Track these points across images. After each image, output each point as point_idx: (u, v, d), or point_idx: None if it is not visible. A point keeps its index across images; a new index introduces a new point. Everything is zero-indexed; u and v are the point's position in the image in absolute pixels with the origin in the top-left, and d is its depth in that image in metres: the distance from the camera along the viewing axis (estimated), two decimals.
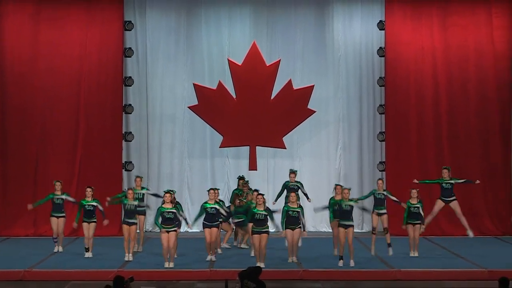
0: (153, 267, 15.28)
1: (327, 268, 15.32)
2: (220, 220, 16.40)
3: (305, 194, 17.78)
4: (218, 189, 16.61)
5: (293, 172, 17.95)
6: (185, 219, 16.26)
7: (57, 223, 17.02)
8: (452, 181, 17.29)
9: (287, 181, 17.82)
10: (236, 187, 18.36)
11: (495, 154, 20.22)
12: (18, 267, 15.11)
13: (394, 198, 16.85)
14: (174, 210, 15.40)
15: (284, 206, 15.97)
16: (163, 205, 15.40)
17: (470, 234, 17.43)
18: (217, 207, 16.02)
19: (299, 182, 17.85)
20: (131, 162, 20.32)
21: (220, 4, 20.57)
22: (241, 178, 18.32)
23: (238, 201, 17.46)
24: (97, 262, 15.91)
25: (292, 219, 15.71)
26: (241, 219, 17.31)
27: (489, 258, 16.40)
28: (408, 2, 20.18)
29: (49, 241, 17.53)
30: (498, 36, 20.14)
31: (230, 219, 17.36)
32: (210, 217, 15.96)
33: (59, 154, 19.90)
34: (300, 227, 15.80)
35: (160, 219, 15.40)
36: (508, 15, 20.15)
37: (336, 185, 16.89)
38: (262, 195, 15.75)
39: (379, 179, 17.19)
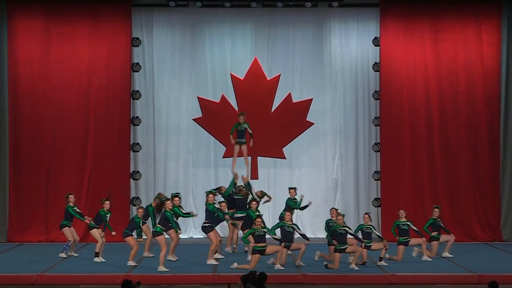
0: (159, 272, 15.23)
1: (325, 273, 15.33)
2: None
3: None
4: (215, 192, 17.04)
5: (292, 188, 17.76)
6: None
7: (71, 231, 17.10)
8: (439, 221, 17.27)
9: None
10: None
11: (484, 165, 20.17)
12: (31, 272, 15.11)
13: (377, 233, 16.61)
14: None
15: (278, 222, 16.30)
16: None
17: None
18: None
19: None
20: (138, 171, 20.35)
21: (222, 22, 20.60)
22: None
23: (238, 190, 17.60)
24: (106, 266, 15.93)
25: (287, 234, 15.86)
26: (242, 215, 17.26)
27: (479, 263, 16.39)
28: (402, 20, 20.20)
29: (60, 246, 17.49)
30: (487, 52, 20.12)
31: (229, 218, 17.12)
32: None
33: (70, 165, 19.91)
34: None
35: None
36: (497, 31, 20.15)
37: (332, 208, 16.92)
38: (260, 216, 15.96)
39: (366, 213, 16.64)
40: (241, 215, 17.32)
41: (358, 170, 20.71)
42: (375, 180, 20.45)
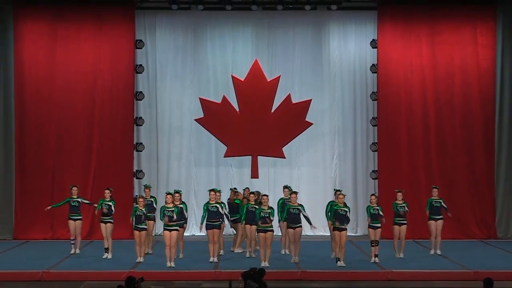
0: (161, 268, 15.31)
1: (324, 269, 15.35)
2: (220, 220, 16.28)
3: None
4: (220, 190, 16.72)
5: (286, 187, 17.34)
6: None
7: (74, 226, 17.08)
8: (441, 201, 17.29)
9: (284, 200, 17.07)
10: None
11: (480, 166, 20.18)
12: (37, 268, 15.15)
13: (381, 213, 16.64)
14: (173, 209, 15.54)
15: (285, 205, 16.09)
16: (165, 205, 15.68)
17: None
18: (218, 206, 16.09)
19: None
20: (141, 170, 20.38)
21: (224, 25, 20.65)
22: (233, 189, 18.09)
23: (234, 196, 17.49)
24: (110, 263, 15.96)
25: (293, 216, 15.75)
26: (236, 217, 17.19)
27: (475, 260, 16.42)
28: (399, 22, 20.22)
29: (65, 244, 17.56)
30: (482, 54, 20.13)
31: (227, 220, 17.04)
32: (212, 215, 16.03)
33: (75, 164, 19.94)
34: (300, 226, 15.86)
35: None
36: (492, 34, 20.15)
37: (336, 190, 16.85)
38: (267, 196, 15.93)
39: (372, 194, 16.78)
40: (235, 218, 17.24)
41: (356, 169, 20.75)
42: (372, 179, 20.47)
